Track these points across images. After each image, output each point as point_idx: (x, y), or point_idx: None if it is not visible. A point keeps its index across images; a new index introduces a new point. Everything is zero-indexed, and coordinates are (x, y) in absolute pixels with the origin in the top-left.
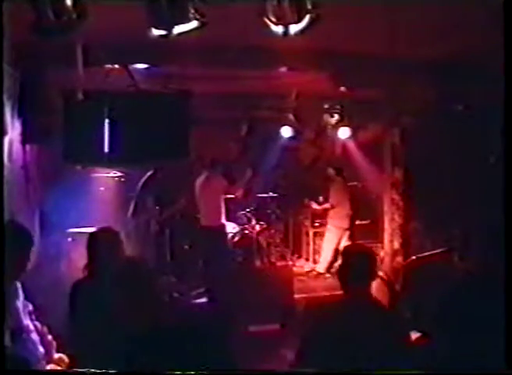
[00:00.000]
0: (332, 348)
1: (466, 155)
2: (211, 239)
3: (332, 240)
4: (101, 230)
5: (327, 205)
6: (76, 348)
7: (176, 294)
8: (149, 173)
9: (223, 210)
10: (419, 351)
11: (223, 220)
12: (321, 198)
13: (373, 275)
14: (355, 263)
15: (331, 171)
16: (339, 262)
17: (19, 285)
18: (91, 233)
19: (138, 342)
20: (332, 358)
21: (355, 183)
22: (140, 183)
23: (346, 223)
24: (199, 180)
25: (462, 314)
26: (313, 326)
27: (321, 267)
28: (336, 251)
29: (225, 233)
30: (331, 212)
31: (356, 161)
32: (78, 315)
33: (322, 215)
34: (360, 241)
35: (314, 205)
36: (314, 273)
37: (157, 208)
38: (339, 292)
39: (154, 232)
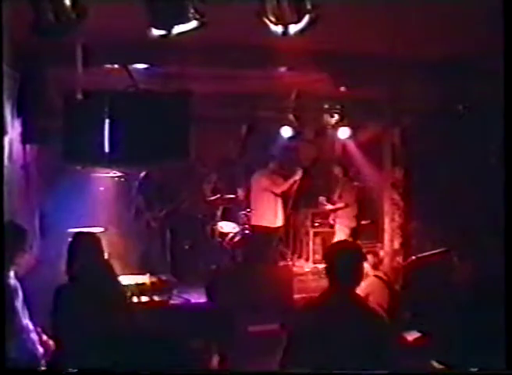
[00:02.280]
0: (315, 348)
1: (466, 155)
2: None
3: (342, 239)
4: (80, 234)
5: (341, 205)
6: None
7: (175, 294)
8: (142, 175)
9: (278, 209)
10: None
11: (278, 220)
12: (335, 198)
13: (360, 273)
14: (341, 261)
15: (338, 170)
16: (326, 259)
17: (18, 285)
18: (72, 238)
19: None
20: (315, 357)
21: (355, 183)
22: (136, 185)
23: (354, 223)
24: (254, 179)
25: (462, 314)
26: (299, 326)
27: None
28: None
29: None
30: (340, 212)
31: (356, 161)
32: (62, 319)
33: (326, 214)
34: (360, 241)
35: (329, 206)
36: None
37: (154, 207)
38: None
39: (155, 230)
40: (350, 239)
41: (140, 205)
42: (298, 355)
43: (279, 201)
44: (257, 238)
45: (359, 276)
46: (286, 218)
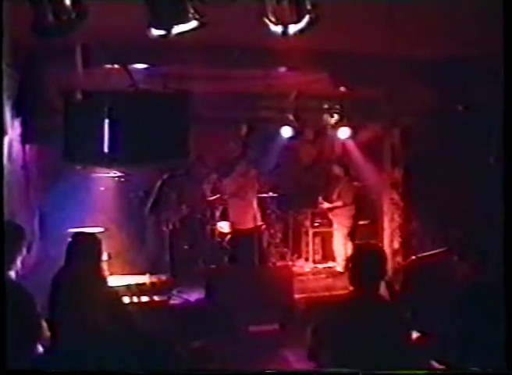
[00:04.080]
0: (343, 346)
1: (466, 155)
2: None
3: (341, 238)
4: (79, 235)
5: (339, 203)
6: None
7: (175, 294)
8: (167, 175)
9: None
10: (421, 350)
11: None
12: (334, 197)
13: (383, 273)
14: (367, 262)
15: (338, 170)
16: (352, 260)
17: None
18: (71, 238)
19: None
20: (344, 356)
21: (355, 183)
22: (160, 181)
23: (350, 222)
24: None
25: (462, 314)
26: (323, 325)
27: (340, 266)
28: (347, 249)
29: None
30: (338, 211)
31: (356, 161)
32: (59, 321)
33: (325, 214)
34: (360, 241)
35: (326, 204)
36: (335, 271)
37: (171, 208)
38: (339, 292)
39: (153, 228)
40: (348, 238)
41: (171, 201)
42: (325, 356)
43: (250, 203)
44: (239, 241)
45: (381, 276)
46: (260, 218)
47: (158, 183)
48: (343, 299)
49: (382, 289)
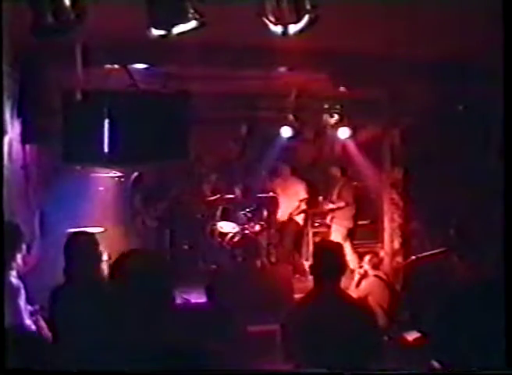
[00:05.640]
0: (311, 343)
1: (466, 155)
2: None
3: (339, 239)
4: (76, 234)
5: (341, 204)
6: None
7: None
8: (135, 175)
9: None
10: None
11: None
12: (334, 197)
13: (341, 269)
14: (324, 259)
15: (336, 171)
16: (312, 258)
17: (21, 285)
18: (68, 238)
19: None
20: (313, 353)
21: (355, 183)
22: (129, 185)
23: (351, 223)
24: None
25: (462, 314)
26: (292, 323)
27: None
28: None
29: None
30: (337, 212)
31: (355, 161)
32: (60, 322)
33: (323, 214)
34: (360, 241)
35: (330, 205)
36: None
37: (149, 206)
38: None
39: (154, 228)
40: (347, 239)
41: (137, 204)
42: (296, 354)
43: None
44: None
45: (339, 272)
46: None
47: (129, 186)
48: (305, 297)
49: (382, 288)
